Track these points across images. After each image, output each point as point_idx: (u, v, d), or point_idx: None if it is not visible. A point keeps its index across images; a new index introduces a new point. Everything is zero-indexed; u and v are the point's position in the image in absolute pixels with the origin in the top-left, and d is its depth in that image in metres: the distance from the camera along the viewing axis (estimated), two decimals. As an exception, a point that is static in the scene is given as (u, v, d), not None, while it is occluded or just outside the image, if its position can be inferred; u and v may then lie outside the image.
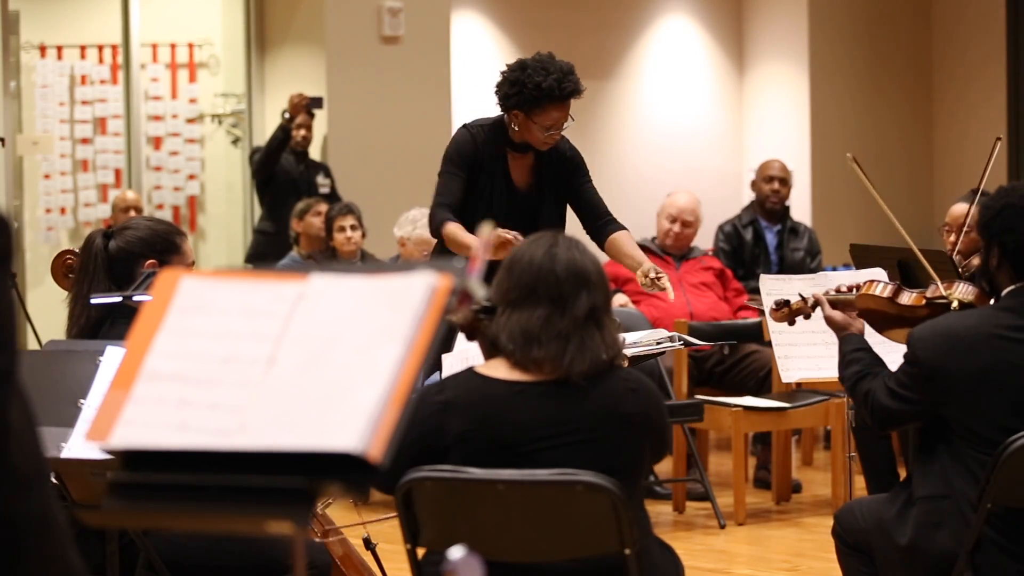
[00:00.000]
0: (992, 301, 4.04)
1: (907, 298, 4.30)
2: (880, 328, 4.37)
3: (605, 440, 3.30)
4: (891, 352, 4.28)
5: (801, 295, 4.46)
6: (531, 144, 5.49)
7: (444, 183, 5.50)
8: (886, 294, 4.31)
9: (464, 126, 5.59)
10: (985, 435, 3.82)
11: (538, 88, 5.36)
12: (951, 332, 3.90)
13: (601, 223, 5.63)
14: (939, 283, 4.29)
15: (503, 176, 5.53)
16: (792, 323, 4.56)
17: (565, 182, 5.61)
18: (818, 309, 4.35)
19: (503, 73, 5.48)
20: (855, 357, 4.12)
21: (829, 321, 4.27)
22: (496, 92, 5.49)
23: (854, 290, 4.37)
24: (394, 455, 2.23)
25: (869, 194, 4.99)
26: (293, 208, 9.10)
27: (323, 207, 8.87)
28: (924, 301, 4.26)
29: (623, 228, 5.65)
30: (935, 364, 3.87)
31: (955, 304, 4.16)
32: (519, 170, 5.57)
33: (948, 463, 3.88)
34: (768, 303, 5.22)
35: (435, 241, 5.47)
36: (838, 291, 4.38)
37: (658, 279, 5.29)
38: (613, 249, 5.61)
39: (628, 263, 5.58)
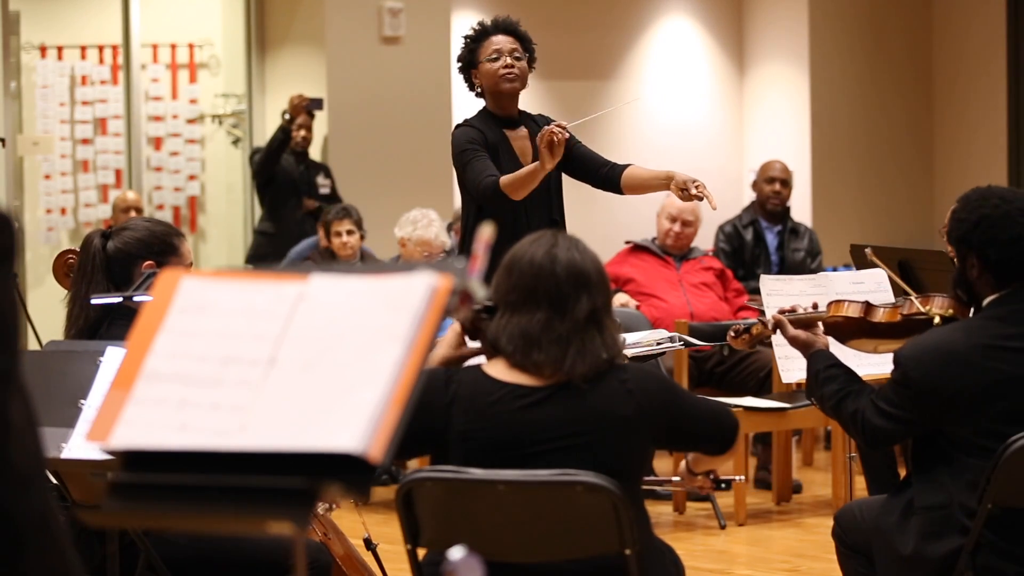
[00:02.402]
0: (972, 310, 3.96)
1: (880, 314, 4.20)
2: (844, 339, 4.26)
3: (604, 443, 3.29)
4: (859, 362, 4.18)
5: (761, 320, 4.32)
6: (498, 93, 5.57)
7: (475, 166, 5.50)
8: (855, 314, 4.20)
9: (458, 125, 5.67)
10: (986, 445, 3.77)
11: (475, 29, 5.59)
12: (942, 349, 3.82)
13: (606, 170, 5.69)
14: (914, 299, 4.21)
15: (512, 157, 5.62)
16: (753, 348, 4.47)
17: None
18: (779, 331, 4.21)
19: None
20: (830, 375, 4.00)
21: (793, 341, 4.14)
22: (460, 72, 5.64)
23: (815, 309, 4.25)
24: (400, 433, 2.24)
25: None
26: (294, 209, 9.08)
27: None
28: (900, 317, 4.16)
29: (628, 164, 5.70)
30: (930, 384, 3.79)
31: (937, 319, 4.06)
32: (521, 147, 5.66)
33: (948, 474, 3.83)
34: (769, 308, 5.20)
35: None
36: (793, 310, 4.24)
37: (696, 185, 5.26)
38: (633, 183, 5.64)
39: (655, 184, 5.58)
